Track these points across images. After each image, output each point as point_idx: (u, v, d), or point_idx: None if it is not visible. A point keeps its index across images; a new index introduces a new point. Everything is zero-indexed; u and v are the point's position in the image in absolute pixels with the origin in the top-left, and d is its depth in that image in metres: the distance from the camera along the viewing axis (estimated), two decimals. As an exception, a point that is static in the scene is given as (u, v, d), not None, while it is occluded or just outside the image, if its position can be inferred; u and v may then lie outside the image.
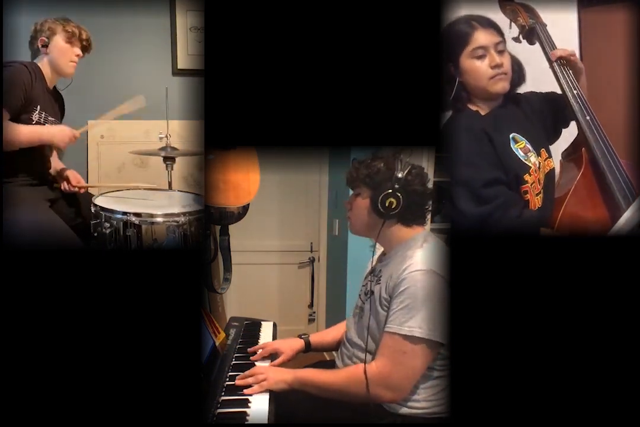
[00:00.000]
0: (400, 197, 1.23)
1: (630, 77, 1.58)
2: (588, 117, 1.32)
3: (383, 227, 1.27)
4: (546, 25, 1.41)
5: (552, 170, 1.37)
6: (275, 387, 1.23)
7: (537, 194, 1.31)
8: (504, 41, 1.32)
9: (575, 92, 1.34)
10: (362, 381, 1.17)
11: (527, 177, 1.29)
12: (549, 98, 1.43)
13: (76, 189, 1.94)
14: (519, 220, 1.23)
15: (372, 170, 1.27)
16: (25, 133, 1.69)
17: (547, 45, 1.38)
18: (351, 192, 1.35)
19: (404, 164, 1.26)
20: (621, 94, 1.59)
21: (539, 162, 1.33)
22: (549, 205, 1.32)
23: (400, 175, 1.23)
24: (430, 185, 1.31)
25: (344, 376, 1.24)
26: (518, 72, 1.36)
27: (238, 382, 1.26)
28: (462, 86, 1.33)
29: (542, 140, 1.40)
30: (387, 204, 1.23)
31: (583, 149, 1.33)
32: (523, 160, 1.30)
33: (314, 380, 1.24)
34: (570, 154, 1.39)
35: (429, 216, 1.36)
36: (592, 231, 1.26)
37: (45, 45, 1.78)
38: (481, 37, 1.29)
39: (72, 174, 1.96)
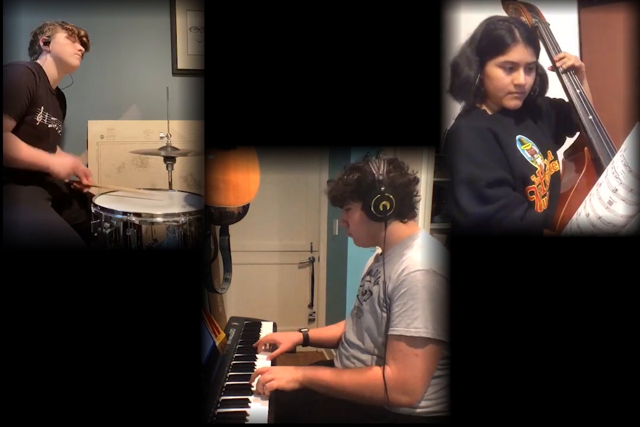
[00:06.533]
0: (391, 196, 1.23)
1: (630, 76, 1.58)
2: (590, 117, 1.32)
3: (386, 230, 1.26)
4: (549, 25, 1.40)
5: (558, 172, 1.37)
6: (287, 386, 1.21)
7: (543, 196, 1.30)
8: (536, 62, 1.31)
9: (578, 91, 1.34)
10: (378, 385, 1.16)
11: (533, 178, 1.28)
12: (556, 104, 1.43)
13: (85, 188, 1.93)
14: (522, 222, 1.22)
15: (353, 185, 1.26)
16: (24, 155, 1.68)
17: (551, 44, 1.37)
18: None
19: (379, 163, 1.25)
20: (621, 94, 1.59)
21: (545, 164, 1.32)
22: (553, 207, 1.31)
23: (381, 177, 1.22)
24: (411, 171, 1.29)
25: (359, 379, 1.20)
26: (540, 84, 1.34)
27: (254, 388, 1.24)
28: (481, 83, 1.31)
29: (548, 142, 1.39)
30: (381, 208, 1.23)
31: (585, 148, 1.32)
32: (529, 161, 1.29)
33: (325, 380, 1.22)
34: (572, 154, 1.39)
35: (418, 206, 1.34)
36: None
37: (47, 43, 1.79)
38: (518, 54, 1.27)
39: (82, 172, 1.92)
